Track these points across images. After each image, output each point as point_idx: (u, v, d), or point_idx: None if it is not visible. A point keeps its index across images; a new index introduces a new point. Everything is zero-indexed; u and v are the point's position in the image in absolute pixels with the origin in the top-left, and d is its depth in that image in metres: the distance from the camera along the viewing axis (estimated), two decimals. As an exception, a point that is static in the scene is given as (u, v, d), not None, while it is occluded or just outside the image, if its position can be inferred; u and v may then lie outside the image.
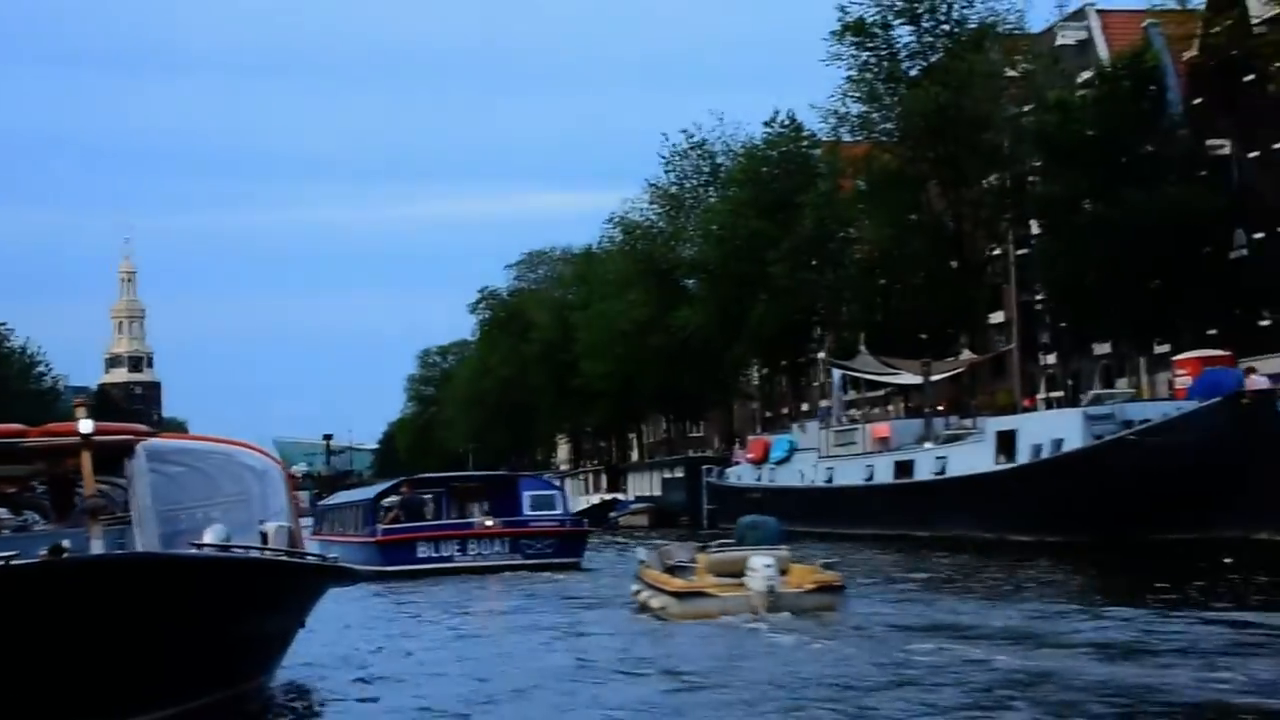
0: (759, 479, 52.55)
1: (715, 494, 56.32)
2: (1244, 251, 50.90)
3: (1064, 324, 51.93)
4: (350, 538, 34.97)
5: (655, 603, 19.69)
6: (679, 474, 66.16)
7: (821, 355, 58.27)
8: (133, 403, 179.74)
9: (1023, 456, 36.48)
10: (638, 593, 20.60)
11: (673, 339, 69.13)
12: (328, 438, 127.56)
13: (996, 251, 57.62)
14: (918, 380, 46.30)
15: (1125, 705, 11.98)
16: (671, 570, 20.01)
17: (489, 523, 32.56)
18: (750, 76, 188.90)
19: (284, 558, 13.12)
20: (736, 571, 18.68)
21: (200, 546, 12.39)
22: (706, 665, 14.40)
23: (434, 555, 32.05)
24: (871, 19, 52.42)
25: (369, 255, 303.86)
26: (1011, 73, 52.91)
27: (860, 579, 24.33)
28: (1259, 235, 49.19)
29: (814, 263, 60.15)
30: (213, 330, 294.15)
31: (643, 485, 72.30)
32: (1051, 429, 36.19)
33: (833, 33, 52.74)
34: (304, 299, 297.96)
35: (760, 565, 18.32)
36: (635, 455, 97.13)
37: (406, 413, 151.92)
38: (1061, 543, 33.31)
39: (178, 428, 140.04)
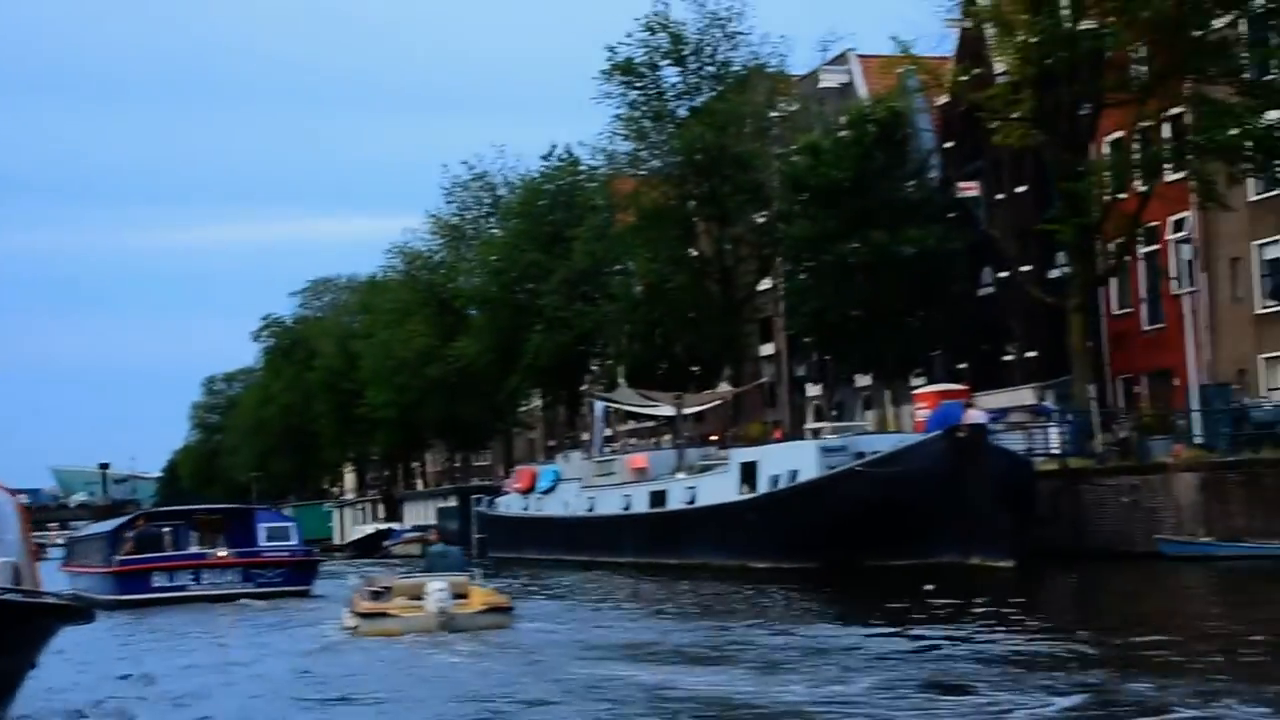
0: (526, 508, 54.01)
1: (485, 523, 57.59)
2: (991, 289, 54.23)
3: (827, 357, 54.43)
4: (92, 569, 36.11)
5: (350, 623, 21.98)
6: (453, 503, 67.35)
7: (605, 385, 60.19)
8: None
9: (763, 486, 38.50)
10: (344, 616, 22.28)
11: (452, 368, 70.48)
12: (104, 467, 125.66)
13: (767, 285, 60.07)
14: (673, 412, 48.25)
15: (725, 713, 13.63)
16: (374, 595, 21.93)
17: (222, 553, 34.54)
18: (543, 104, 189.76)
19: (5, 597, 12.69)
20: (419, 595, 21.06)
21: None
22: (369, 681, 15.89)
23: (169, 585, 33.81)
24: (639, 60, 54.50)
25: (156, 280, 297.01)
26: (775, 114, 55.49)
27: (566, 603, 26.01)
28: (1004, 274, 52.44)
29: (593, 295, 62.02)
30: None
31: (420, 514, 73.28)
32: (788, 460, 38.26)
33: (602, 72, 54.80)
34: (87, 325, 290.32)
35: (435, 590, 20.74)
36: (421, 484, 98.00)
37: (191, 441, 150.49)
38: (795, 569, 35.32)
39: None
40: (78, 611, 14.93)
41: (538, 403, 76.95)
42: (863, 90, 59.05)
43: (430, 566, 23.30)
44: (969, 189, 53.71)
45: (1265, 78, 38.99)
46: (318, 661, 18.52)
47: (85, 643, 22.24)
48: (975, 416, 34.99)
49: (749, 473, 39.30)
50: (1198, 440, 35.84)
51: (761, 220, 54.33)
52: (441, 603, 20.52)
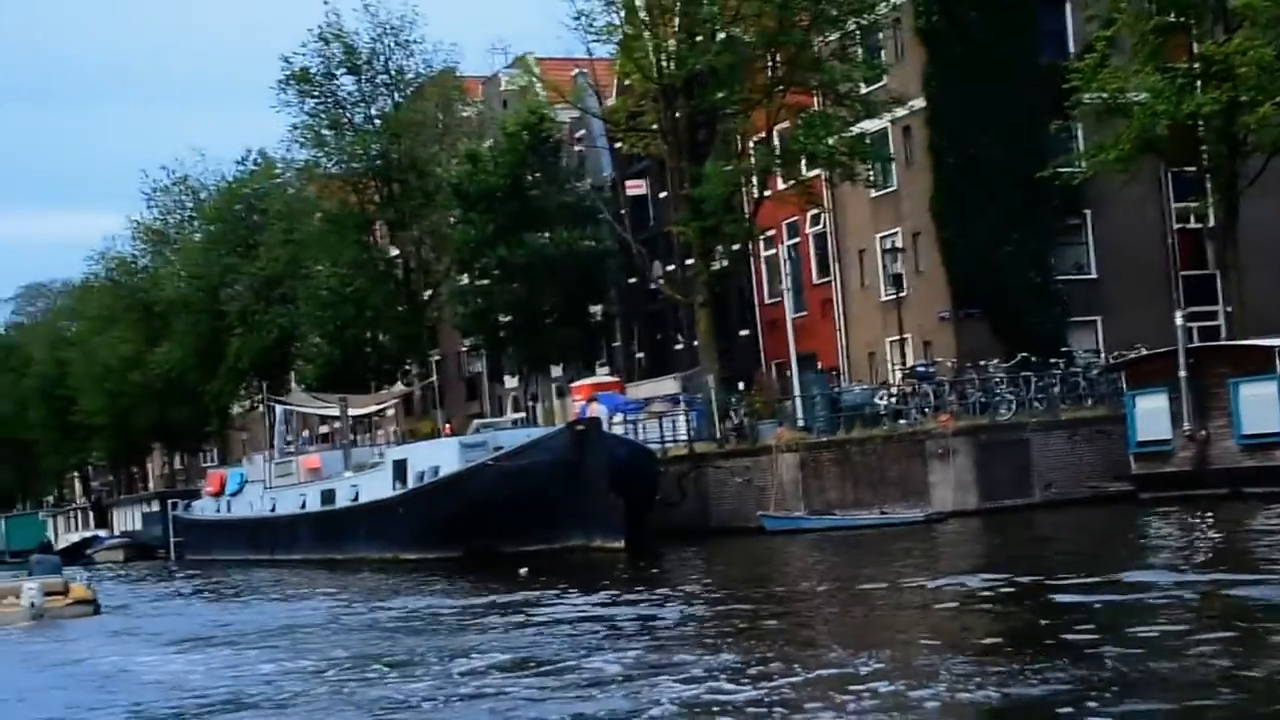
0: (218, 511, 56.43)
1: (181, 527, 59.84)
2: (661, 282, 58.35)
3: (498, 352, 57.88)
4: None
5: None
6: (156, 508, 69.21)
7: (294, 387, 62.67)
8: None
9: (412, 482, 41.78)
10: None
11: (157, 374, 72.28)
12: None
13: (464, 280, 63.26)
14: (354, 412, 51.28)
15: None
16: None
17: None
18: (246, 96, 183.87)
19: None
20: (18, 593, 27.18)
21: None
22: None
23: None
24: (315, 69, 57.14)
25: None
26: (452, 119, 58.70)
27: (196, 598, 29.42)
28: (671, 267, 56.56)
29: (290, 297, 64.39)
30: None
31: (129, 520, 74.88)
32: (433, 457, 41.58)
33: (279, 82, 57.27)
34: None
35: (28, 589, 26.89)
36: (148, 488, 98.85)
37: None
38: (440, 558, 38.74)
39: None
40: None
41: (249, 404, 78.96)
42: (541, 93, 62.48)
43: (31, 572, 29.55)
44: (636, 187, 57.82)
45: (863, 92, 43.78)
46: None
47: None
48: (594, 410, 38.79)
49: (401, 470, 42.52)
50: (800, 423, 40.21)
51: (436, 223, 57.56)
52: (32, 599, 26.51)
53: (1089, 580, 20.08)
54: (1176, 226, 46.30)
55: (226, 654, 20.00)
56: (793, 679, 14.22)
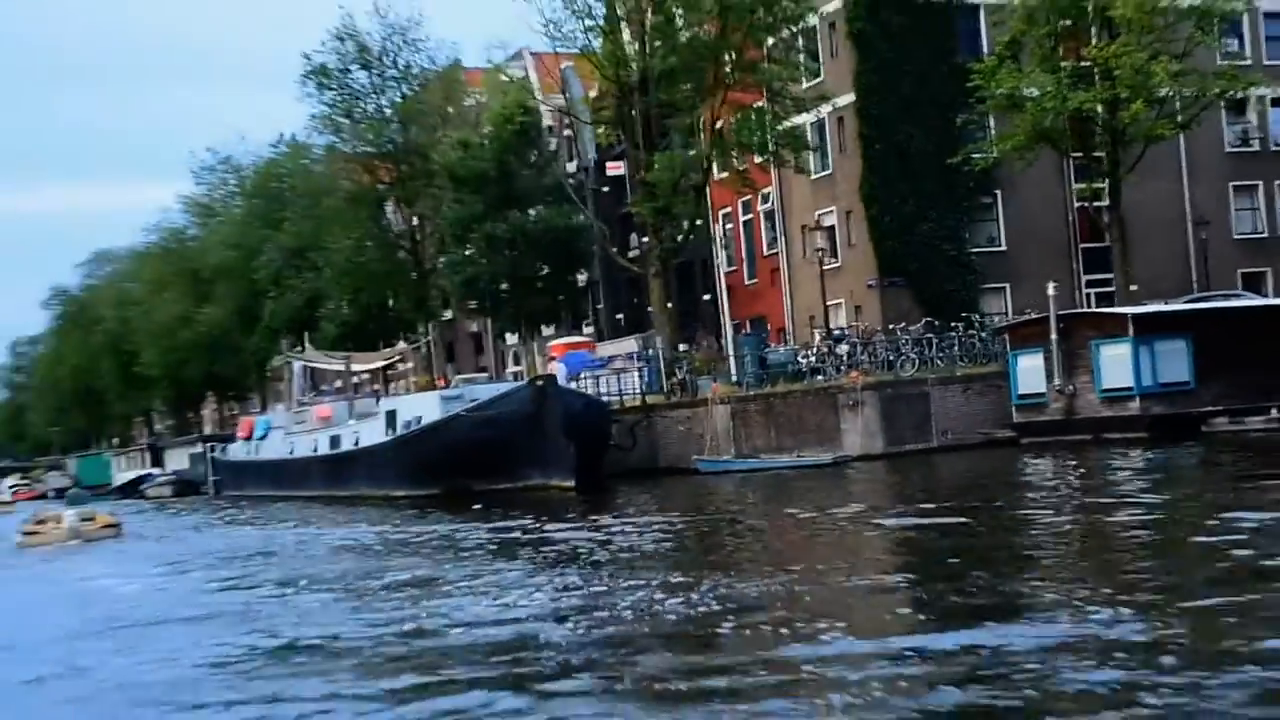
0: (248, 453, 59.11)
1: (218, 467, 62.58)
2: (636, 253, 60.52)
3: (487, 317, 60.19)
4: None
5: (18, 540, 32.96)
6: (200, 450, 72.06)
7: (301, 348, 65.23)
8: None
9: (400, 430, 44.24)
10: (17, 536, 33.19)
11: (204, 332, 75.08)
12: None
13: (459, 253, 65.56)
14: (360, 368, 53.76)
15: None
16: (39, 522, 32.79)
17: None
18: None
19: None
20: (61, 520, 32.52)
21: None
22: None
23: None
24: (332, 65, 59.37)
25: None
26: (454, 110, 60.84)
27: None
28: (646, 239, 58.66)
29: (317, 264, 66.89)
30: None
31: (179, 460, 77.71)
32: (417, 408, 43.98)
33: (301, 76, 59.54)
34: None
35: (69, 515, 32.52)
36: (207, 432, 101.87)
37: (2, 400, 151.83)
38: (424, 495, 41.14)
39: None
40: None
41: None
42: (537, 85, 64.59)
43: (69, 503, 35.19)
44: (616, 169, 59.89)
45: (803, 88, 45.74)
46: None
47: None
48: (552, 368, 41.07)
49: (391, 419, 44.94)
50: (733, 379, 42.43)
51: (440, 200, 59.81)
52: (73, 524, 31.85)
53: (959, 506, 22.24)
54: (1078, 204, 48.21)
55: (195, 574, 22.40)
56: (621, 585, 15.97)
